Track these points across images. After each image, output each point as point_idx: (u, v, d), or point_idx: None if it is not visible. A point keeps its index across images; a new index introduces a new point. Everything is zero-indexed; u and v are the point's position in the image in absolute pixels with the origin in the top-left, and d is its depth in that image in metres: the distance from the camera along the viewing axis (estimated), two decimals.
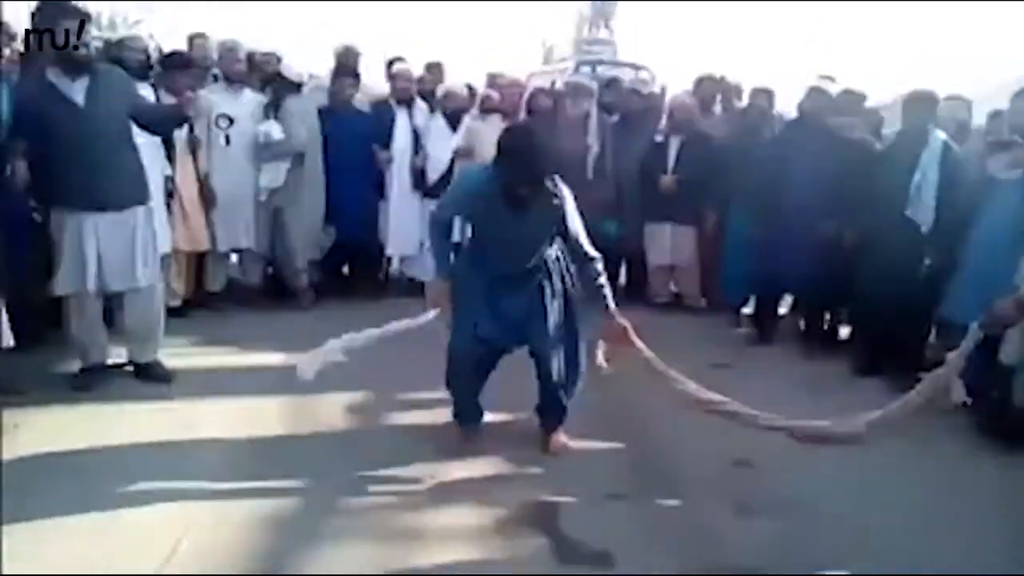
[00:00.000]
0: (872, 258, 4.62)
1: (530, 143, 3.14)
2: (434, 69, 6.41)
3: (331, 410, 3.87)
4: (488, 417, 3.68)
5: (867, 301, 4.78)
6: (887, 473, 3.45)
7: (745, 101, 6.02)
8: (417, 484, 3.17)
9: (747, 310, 5.71)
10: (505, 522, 2.92)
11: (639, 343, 3.27)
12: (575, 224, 3.32)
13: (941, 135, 4.51)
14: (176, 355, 4.44)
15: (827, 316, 5.38)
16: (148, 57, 5.01)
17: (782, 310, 5.66)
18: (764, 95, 5.63)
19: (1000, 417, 3.85)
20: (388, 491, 3.11)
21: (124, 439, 3.39)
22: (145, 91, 4.67)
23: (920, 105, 4.59)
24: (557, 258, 3.40)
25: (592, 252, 3.35)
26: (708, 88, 6.10)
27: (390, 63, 6.25)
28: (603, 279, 3.34)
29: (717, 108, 6.29)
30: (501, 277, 3.33)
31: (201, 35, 5.83)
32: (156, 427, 3.53)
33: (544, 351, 3.37)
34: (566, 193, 3.31)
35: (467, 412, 3.60)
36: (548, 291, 3.35)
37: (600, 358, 3.37)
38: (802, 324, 5.43)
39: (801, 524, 3.00)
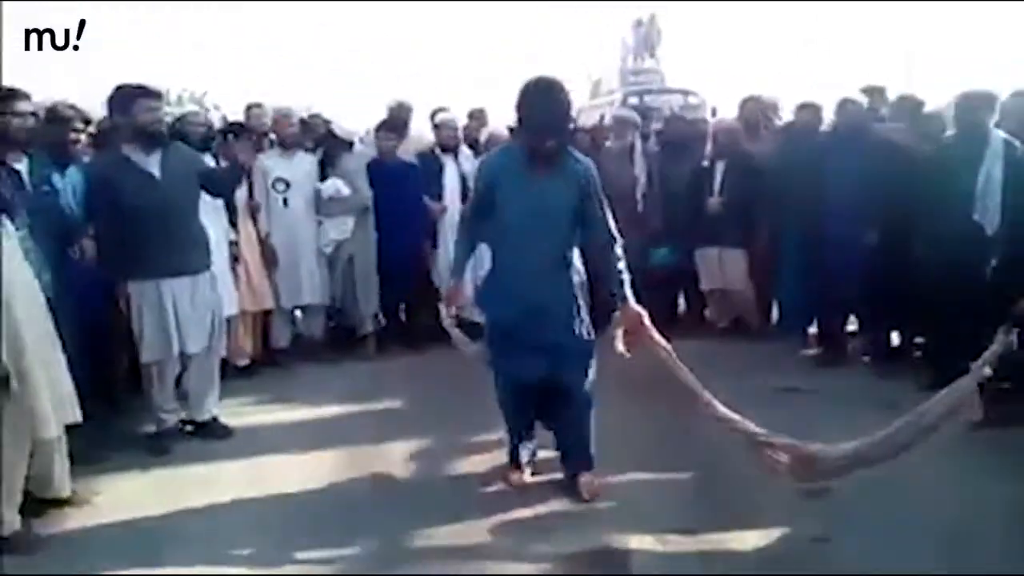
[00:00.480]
0: (936, 267, 4.42)
1: (551, 94, 3.04)
2: (477, 115, 6.51)
3: (392, 459, 3.91)
4: (546, 453, 3.65)
5: (933, 312, 4.58)
6: (965, 491, 3.28)
7: (787, 118, 5.92)
8: (480, 530, 3.16)
9: (813, 330, 5.54)
10: (574, 566, 2.88)
11: (655, 334, 3.18)
12: (599, 198, 3.23)
13: (1001, 133, 4.35)
14: (244, 414, 4.58)
15: (896, 331, 5.19)
16: (209, 129, 5.26)
17: (852, 327, 5.49)
18: (810, 110, 5.52)
19: None
20: (450, 540, 3.10)
21: (196, 503, 3.45)
22: (209, 162, 4.92)
23: (974, 105, 4.43)
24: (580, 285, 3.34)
25: (615, 233, 3.27)
26: (751, 109, 6.02)
27: (434, 113, 6.39)
28: (623, 264, 3.25)
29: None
30: (531, 294, 3.21)
31: (258, 104, 6.06)
32: (226, 489, 3.60)
33: (573, 382, 3.31)
34: (589, 162, 3.26)
35: (518, 445, 3.55)
36: (577, 319, 3.29)
37: (619, 345, 3.28)
38: (869, 342, 5.24)
39: (882, 550, 2.88)
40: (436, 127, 6.19)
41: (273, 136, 5.77)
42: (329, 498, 3.52)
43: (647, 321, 3.19)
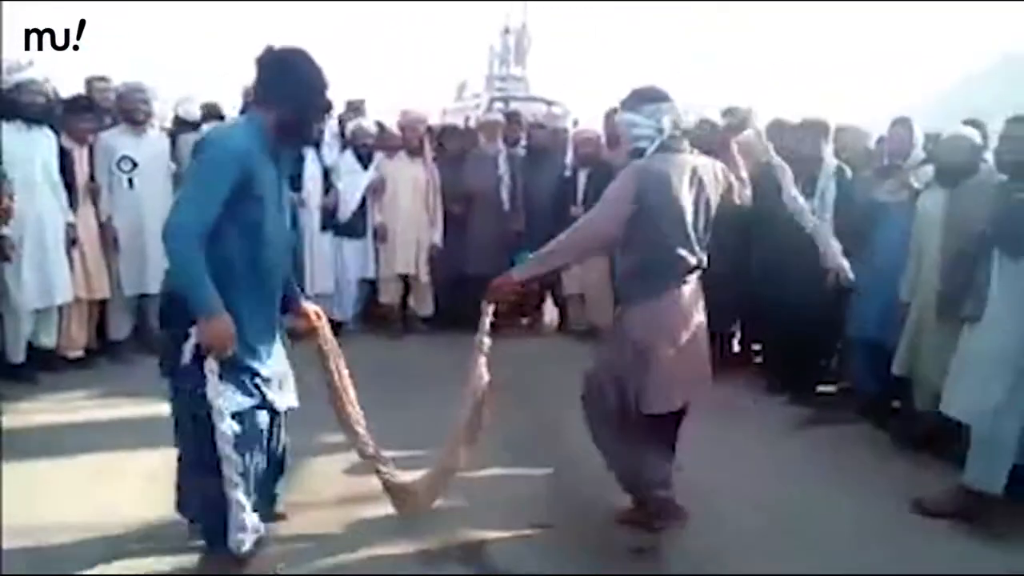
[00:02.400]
0: (777, 276, 4.76)
1: (315, 63, 2.53)
2: (356, 105, 6.42)
3: None
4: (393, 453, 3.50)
5: (774, 319, 4.97)
6: (808, 488, 3.57)
7: None
8: (334, 525, 3.10)
9: None
10: (431, 555, 2.89)
11: (326, 328, 2.98)
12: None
13: (833, 160, 4.77)
14: (77, 409, 4.25)
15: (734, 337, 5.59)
16: (48, 100, 4.84)
17: None
18: None
19: (907, 425, 4.07)
20: (309, 528, 3.03)
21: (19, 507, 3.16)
22: (47, 135, 4.67)
23: (811, 131, 4.84)
24: None
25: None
26: (615, 121, 6.22)
27: None
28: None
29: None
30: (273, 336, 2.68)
31: (102, 78, 5.67)
32: (57, 491, 3.33)
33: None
34: None
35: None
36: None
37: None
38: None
39: (730, 540, 3.06)
40: None
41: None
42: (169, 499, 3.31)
43: (323, 319, 2.99)
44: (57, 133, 4.79)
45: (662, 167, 2.79)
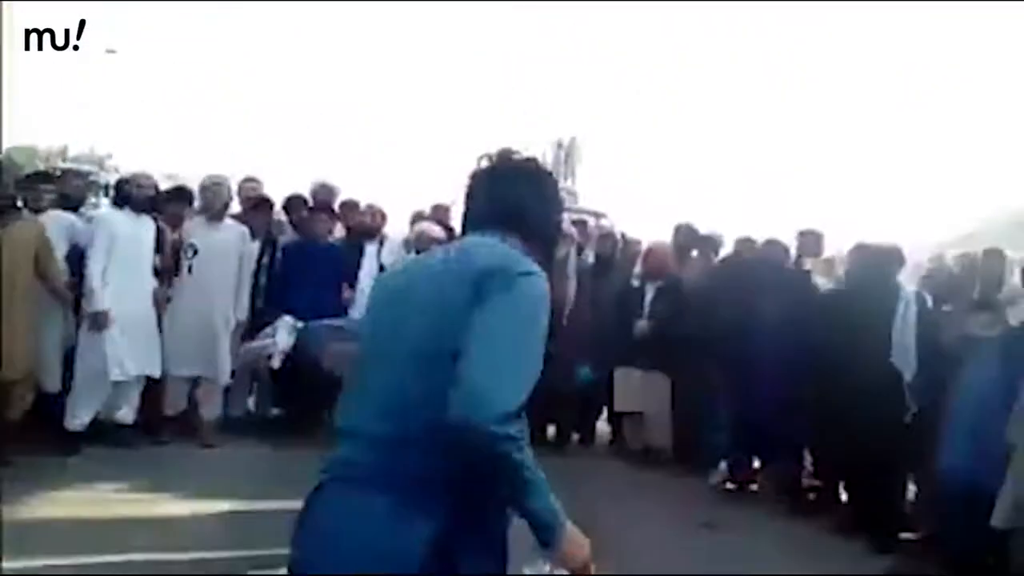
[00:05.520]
0: (852, 408, 4.47)
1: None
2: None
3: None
4: None
5: (849, 452, 4.61)
6: None
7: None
8: None
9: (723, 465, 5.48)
10: None
11: None
12: None
13: (911, 286, 4.66)
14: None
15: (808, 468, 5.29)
16: (157, 192, 5.25)
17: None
18: (748, 244, 5.63)
19: None
20: None
21: None
22: (149, 222, 5.03)
23: (886, 257, 4.73)
24: None
25: None
26: (684, 237, 6.14)
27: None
28: None
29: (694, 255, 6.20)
30: None
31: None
32: None
33: None
34: None
35: None
36: None
37: None
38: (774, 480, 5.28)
39: None
40: (362, 215, 6.07)
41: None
42: None
43: None
44: (156, 220, 5.10)
45: None
